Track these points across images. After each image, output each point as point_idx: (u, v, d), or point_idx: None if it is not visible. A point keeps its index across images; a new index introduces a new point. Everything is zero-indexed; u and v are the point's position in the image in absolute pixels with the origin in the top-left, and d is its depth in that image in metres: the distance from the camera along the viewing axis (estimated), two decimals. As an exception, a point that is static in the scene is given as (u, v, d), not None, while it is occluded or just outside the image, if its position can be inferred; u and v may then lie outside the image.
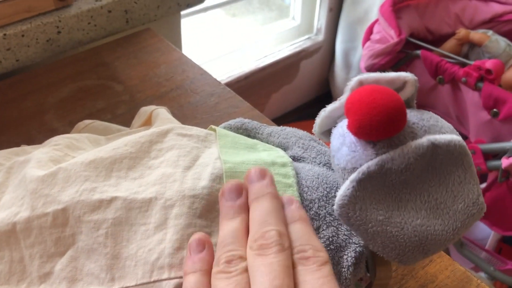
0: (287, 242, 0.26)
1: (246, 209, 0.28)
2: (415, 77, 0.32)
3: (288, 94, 1.73)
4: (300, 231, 0.27)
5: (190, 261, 0.27)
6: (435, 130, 0.32)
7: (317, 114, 0.39)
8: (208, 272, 0.26)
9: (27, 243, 0.32)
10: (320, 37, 1.69)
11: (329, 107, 0.34)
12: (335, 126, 0.34)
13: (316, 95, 1.85)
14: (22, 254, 0.32)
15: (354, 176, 0.30)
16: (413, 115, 0.32)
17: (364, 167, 0.30)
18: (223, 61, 1.50)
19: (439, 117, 0.33)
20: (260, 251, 0.25)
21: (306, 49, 1.65)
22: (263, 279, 0.24)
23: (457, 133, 0.32)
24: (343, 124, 0.33)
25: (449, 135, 0.31)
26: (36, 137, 0.53)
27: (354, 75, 1.58)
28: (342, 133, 0.32)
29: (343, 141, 0.32)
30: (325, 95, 1.86)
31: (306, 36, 1.69)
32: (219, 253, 0.27)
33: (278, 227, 0.26)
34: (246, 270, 0.25)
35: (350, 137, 0.32)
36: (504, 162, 0.92)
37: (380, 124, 0.29)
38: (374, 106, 0.29)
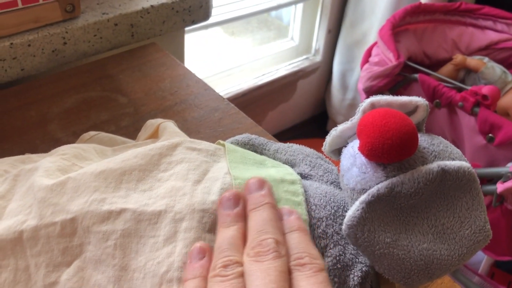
0: (283, 250, 0.27)
1: (243, 218, 0.29)
2: (427, 102, 0.33)
3: (285, 112, 1.74)
4: (297, 240, 0.28)
5: (190, 268, 0.28)
6: (445, 156, 0.32)
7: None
8: (207, 279, 0.27)
9: (33, 252, 0.32)
10: (318, 58, 1.71)
11: (340, 127, 0.34)
12: (345, 146, 0.35)
13: (312, 114, 1.87)
14: (28, 263, 0.32)
15: (364, 197, 0.31)
16: (423, 140, 0.33)
17: (374, 190, 0.31)
18: (221, 78, 1.51)
19: (448, 142, 0.34)
20: (257, 258, 0.26)
21: (304, 69, 1.67)
22: (259, 282, 0.24)
23: (466, 159, 0.33)
24: (354, 144, 0.33)
25: (459, 162, 0.32)
26: (39, 146, 0.52)
27: (351, 96, 1.59)
28: (353, 153, 0.33)
29: (354, 162, 0.32)
30: (321, 115, 1.87)
31: (304, 57, 1.71)
32: (215, 258, 0.27)
33: (275, 236, 0.27)
34: (242, 275, 0.26)
35: (361, 159, 0.32)
36: (499, 187, 0.93)
37: (392, 148, 0.29)
38: (387, 129, 0.29)
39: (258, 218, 0.28)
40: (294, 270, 0.26)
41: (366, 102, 0.33)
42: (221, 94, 0.62)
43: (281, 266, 0.25)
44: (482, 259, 1.16)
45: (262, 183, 0.30)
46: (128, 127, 0.56)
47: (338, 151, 0.36)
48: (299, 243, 0.28)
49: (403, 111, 0.32)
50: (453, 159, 0.32)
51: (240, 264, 0.26)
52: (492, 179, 1.01)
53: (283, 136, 1.76)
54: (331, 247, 0.33)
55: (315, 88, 1.79)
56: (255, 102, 1.58)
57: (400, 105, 0.33)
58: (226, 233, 0.28)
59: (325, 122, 1.85)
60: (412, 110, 0.33)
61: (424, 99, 0.33)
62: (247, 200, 0.30)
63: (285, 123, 1.78)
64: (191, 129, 0.56)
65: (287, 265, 0.26)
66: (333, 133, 0.34)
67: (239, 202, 0.30)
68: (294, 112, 1.79)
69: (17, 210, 0.33)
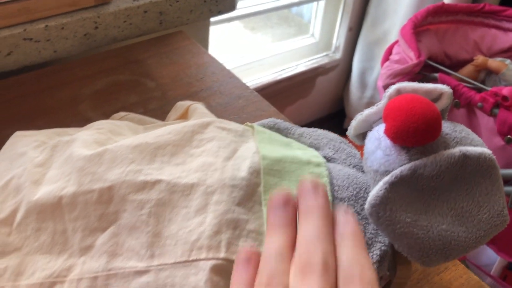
0: (333, 265, 0.25)
1: (294, 222, 0.28)
2: (451, 90, 0.34)
3: (302, 108, 1.75)
4: (350, 249, 0.26)
5: (236, 273, 0.27)
6: (466, 142, 0.33)
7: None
8: (252, 286, 0.26)
9: (71, 217, 0.33)
10: (338, 55, 1.71)
11: (366, 111, 0.35)
12: (370, 130, 0.36)
13: (329, 111, 1.87)
14: (65, 226, 0.34)
15: (387, 178, 0.32)
16: (446, 126, 0.34)
17: (397, 171, 0.32)
18: (240, 72, 1.53)
19: (470, 130, 0.35)
20: (304, 273, 0.25)
21: (323, 65, 1.68)
22: None
23: (487, 146, 0.34)
24: (380, 128, 0.34)
25: (480, 148, 0.33)
26: (70, 124, 0.54)
27: (369, 94, 1.58)
28: (378, 137, 0.34)
29: (379, 145, 0.34)
30: (339, 112, 1.88)
31: (324, 53, 1.72)
32: (262, 267, 0.26)
33: (326, 248, 0.26)
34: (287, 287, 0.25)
35: (386, 141, 0.33)
36: (516, 188, 0.93)
37: (417, 131, 0.31)
38: (413, 113, 0.31)
39: (309, 228, 0.27)
40: (342, 285, 0.25)
41: (392, 88, 0.34)
42: (240, 87, 0.64)
43: (328, 285, 0.24)
44: (495, 261, 1.16)
45: (316, 186, 0.28)
46: (156, 110, 0.58)
47: (362, 136, 0.38)
48: (350, 252, 0.26)
49: (428, 98, 0.34)
50: (475, 146, 0.33)
51: (287, 275, 0.25)
52: (509, 180, 1.01)
53: (300, 132, 1.77)
54: None
55: (334, 85, 1.80)
56: (274, 97, 1.60)
57: (426, 92, 0.34)
58: (275, 242, 0.27)
59: (343, 120, 1.85)
60: (436, 97, 0.35)
61: (449, 87, 0.34)
62: (299, 201, 0.29)
63: (302, 120, 1.79)
64: (216, 115, 0.57)
65: (335, 281, 0.25)
66: (359, 117, 0.36)
67: (290, 204, 0.28)
68: (312, 109, 1.80)
69: (56, 177, 0.35)
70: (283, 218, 0.28)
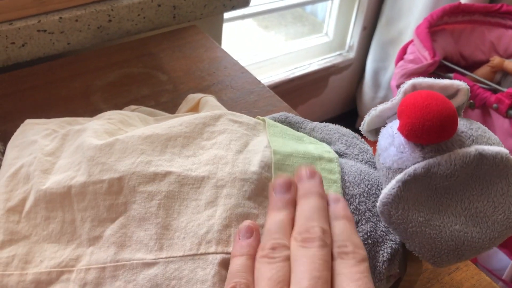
0: (329, 239, 0.28)
1: (293, 204, 0.30)
2: (468, 86, 0.33)
3: (315, 107, 1.74)
4: (343, 229, 0.29)
5: (238, 245, 0.29)
6: (483, 141, 0.32)
7: None
8: (253, 257, 0.28)
9: (80, 207, 0.33)
10: (352, 54, 1.70)
11: (380, 107, 0.35)
12: (383, 126, 0.35)
13: (342, 111, 1.86)
14: (74, 216, 0.33)
15: (400, 176, 0.31)
16: (462, 124, 0.33)
17: (410, 169, 0.31)
18: (253, 70, 1.52)
19: (486, 128, 0.34)
20: (303, 243, 0.27)
21: (337, 65, 1.67)
22: (304, 268, 0.26)
23: (503, 145, 0.33)
24: (393, 125, 0.34)
25: (497, 147, 0.32)
26: (82, 115, 0.54)
27: (382, 94, 1.57)
28: (391, 133, 0.33)
29: (392, 142, 0.33)
30: (351, 112, 1.87)
31: (338, 52, 1.71)
32: (264, 240, 0.28)
33: (322, 225, 0.28)
34: (288, 258, 0.27)
35: (400, 138, 0.32)
36: (530, 191, 0.92)
37: (431, 129, 0.30)
38: (428, 111, 0.30)
39: (307, 206, 0.29)
40: (337, 257, 0.27)
41: (407, 84, 0.33)
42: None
43: (326, 255, 0.26)
44: (507, 265, 1.15)
45: (313, 173, 0.31)
46: (167, 103, 0.57)
47: (375, 132, 0.37)
48: (343, 231, 0.28)
49: (444, 94, 0.33)
50: (491, 145, 0.32)
51: (287, 247, 0.27)
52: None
53: (311, 130, 1.76)
54: (363, 223, 0.34)
55: (347, 84, 1.79)
56: (286, 95, 1.59)
57: (442, 88, 0.33)
58: (276, 217, 0.29)
59: (355, 119, 1.84)
60: (453, 93, 0.34)
61: (465, 83, 0.33)
62: (297, 188, 0.31)
63: (314, 118, 1.78)
64: (227, 109, 0.57)
65: (331, 254, 0.27)
66: (373, 113, 0.35)
67: (290, 188, 0.31)
68: (324, 108, 1.79)
69: (66, 166, 0.35)
70: (283, 200, 0.30)
